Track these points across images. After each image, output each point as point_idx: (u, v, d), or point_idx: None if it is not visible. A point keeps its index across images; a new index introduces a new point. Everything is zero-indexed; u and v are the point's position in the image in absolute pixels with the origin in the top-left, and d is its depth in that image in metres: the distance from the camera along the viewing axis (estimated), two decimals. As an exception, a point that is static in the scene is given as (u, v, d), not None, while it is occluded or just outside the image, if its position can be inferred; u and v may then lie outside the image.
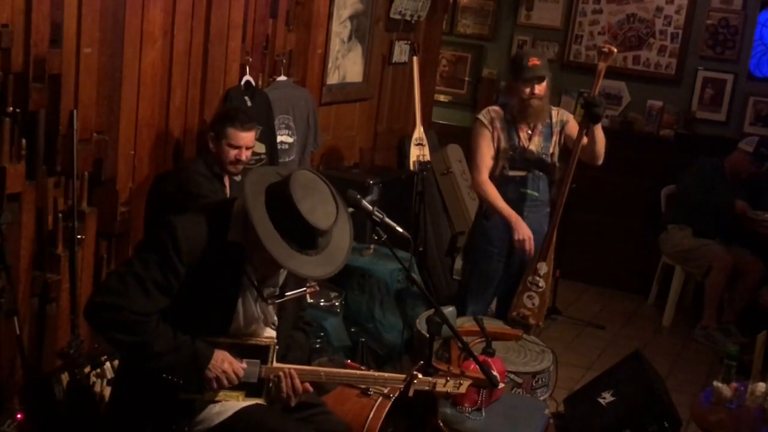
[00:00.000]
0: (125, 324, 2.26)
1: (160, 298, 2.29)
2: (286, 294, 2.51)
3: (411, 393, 2.52)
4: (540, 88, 3.95)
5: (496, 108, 4.08)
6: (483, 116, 4.05)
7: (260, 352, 2.44)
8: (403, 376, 2.53)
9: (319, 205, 2.29)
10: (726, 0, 6.23)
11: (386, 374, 2.54)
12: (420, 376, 2.53)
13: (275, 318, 2.54)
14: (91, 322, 2.34)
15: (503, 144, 4.01)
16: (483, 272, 4.17)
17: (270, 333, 2.52)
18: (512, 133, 4.02)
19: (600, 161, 4.11)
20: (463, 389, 2.58)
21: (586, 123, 3.94)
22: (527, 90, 3.94)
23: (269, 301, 2.48)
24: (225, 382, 2.36)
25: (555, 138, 4.10)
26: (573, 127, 4.14)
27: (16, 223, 2.96)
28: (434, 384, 2.55)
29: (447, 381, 2.55)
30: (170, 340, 2.30)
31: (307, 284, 2.57)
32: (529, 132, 4.04)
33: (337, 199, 2.37)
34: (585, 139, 4.00)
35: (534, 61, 3.94)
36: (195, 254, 2.30)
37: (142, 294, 2.26)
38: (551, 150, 4.09)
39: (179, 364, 2.30)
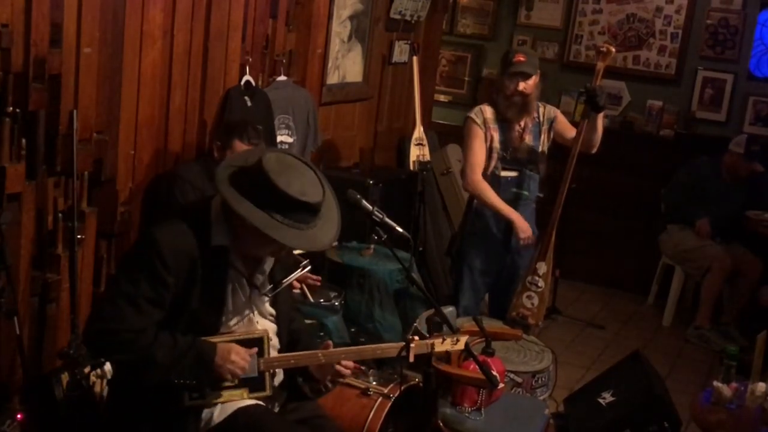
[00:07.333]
0: (124, 344, 2.26)
1: (154, 312, 2.29)
2: (282, 282, 2.52)
3: (412, 359, 2.51)
4: (524, 86, 3.94)
5: (488, 107, 4.07)
6: (475, 115, 4.04)
7: (255, 345, 2.42)
8: (401, 344, 2.51)
9: (296, 179, 2.30)
10: (726, 0, 6.23)
11: (383, 345, 2.54)
12: (416, 339, 2.52)
13: (272, 309, 2.54)
14: (92, 350, 2.41)
15: (495, 143, 4.00)
16: (477, 270, 4.17)
17: (265, 324, 2.51)
18: (504, 131, 4.02)
19: (594, 150, 4.10)
20: (461, 345, 2.59)
21: (588, 113, 3.93)
22: (512, 86, 3.94)
23: (268, 295, 2.48)
24: (238, 371, 2.36)
25: (543, 136, 4.10)
26: (562, 122, 4.16)
27: (16, 223, 2.95)
28: (432, 345, 2.54)
29: (444, 340, 2.56)
30: (171, 348, 2.29)
31: (300, 266, 2.57)
32: (520, 131, 4.04)
33: (314, 169, 2.38)
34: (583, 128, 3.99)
35: (519, 57, 3.94)
36: (181, 264, 2.30)
37: (134, 312, 2.26)
38: (541, 148, 4.09)
39: (187, 367, 2.30)
